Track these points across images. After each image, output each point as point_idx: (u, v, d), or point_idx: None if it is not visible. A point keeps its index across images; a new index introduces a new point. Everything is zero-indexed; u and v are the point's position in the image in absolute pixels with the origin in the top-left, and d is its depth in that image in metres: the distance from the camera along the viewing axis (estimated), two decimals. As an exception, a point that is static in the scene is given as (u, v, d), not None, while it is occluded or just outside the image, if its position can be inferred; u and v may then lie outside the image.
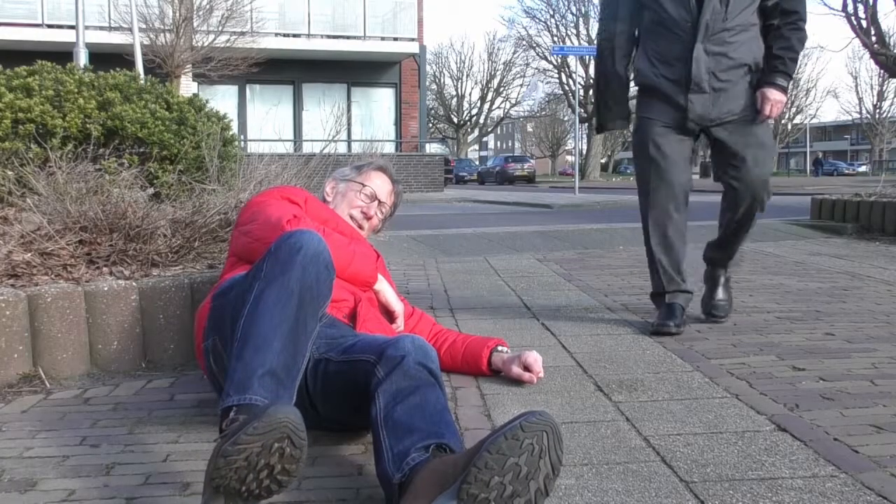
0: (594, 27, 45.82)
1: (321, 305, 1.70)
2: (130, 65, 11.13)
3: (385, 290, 2.36)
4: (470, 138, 60.65)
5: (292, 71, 20.69)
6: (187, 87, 17.52)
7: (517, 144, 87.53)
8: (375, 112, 22.34)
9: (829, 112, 79.10)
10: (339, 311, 2.11)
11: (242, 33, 17.76)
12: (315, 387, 1.84)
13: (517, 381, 2.37)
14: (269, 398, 1.51)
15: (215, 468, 1.35)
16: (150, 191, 4.12)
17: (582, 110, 41.44)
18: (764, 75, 3.11)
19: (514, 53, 53.14)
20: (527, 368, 2.38)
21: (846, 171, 51.48)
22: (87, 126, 4.33)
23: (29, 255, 2.84)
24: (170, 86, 5.58)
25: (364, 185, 2.57)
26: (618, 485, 1.64)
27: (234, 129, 5.92)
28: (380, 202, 2.59)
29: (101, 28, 17.67)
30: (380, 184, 2.60)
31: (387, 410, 1.59)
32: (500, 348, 2.46)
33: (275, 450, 1.33)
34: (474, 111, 56.00)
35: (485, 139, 79.15)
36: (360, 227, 2.55)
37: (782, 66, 3.08)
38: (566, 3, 46.66)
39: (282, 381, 1.55)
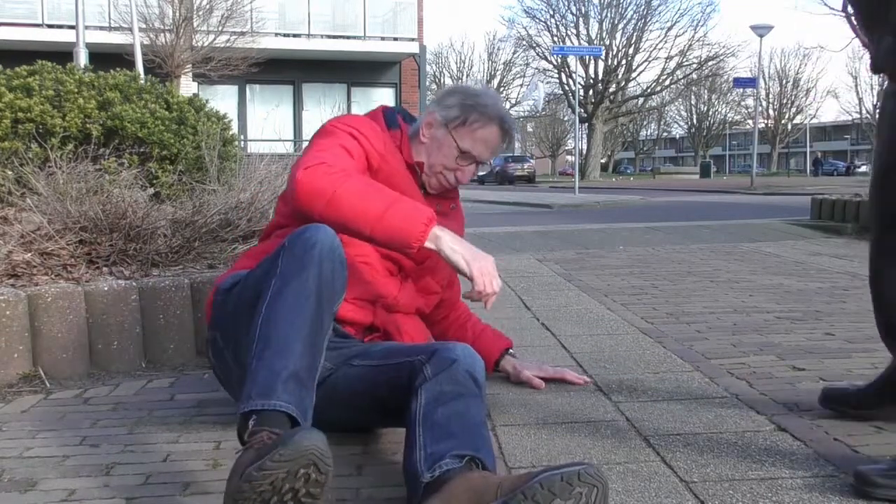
0: (594, 27, 46.00)
1: (336, 302, 1.68)
2: (130, 65, 11.13)
3: (445, 247, 1.77)
4: (470, 138, 60.54)
5: (292, 71, 20.68)
6: (187, 87, 17.52)
7: (517, 144, 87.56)
8: (375, 112, 22.30)
9: (829, 112, 79.10)
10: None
11: (242, 33, 17.76)
12: (339, 392, 1.84)
13: (518, 382, 2.37)
14: (293, 402, 1.50)
15: (238, 490, 1.34)
16: (150, 191, 4.12)
17: (582, 110, 41.49)
18: None
19: (514, 53, 53.22)
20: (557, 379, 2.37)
21: (854, 171, 51.45)
22: (87, 126, 4.33)
23: (29, 255, 2.84)
24: (170, 86, 5.59)
25: (463, 153, 2.10)
26: (618, 485, 1.64)
27: (234, 129, 5.92)
28: (479, 164, 2.15)
29: (101, 28, 17.66)
30: (486, 141, 2.11)
31: (427, 409, 1.59)
32: (510, 351, 2.43)
33: (300, 475, 1.33)
34: (474, 111, 55.89)
35: (485, 139, 79.00)
36: (449, 184, 2.15)
37: None
38: (566, 3, 46.61)
39: (304, 382, 1.54)
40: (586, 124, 45.11)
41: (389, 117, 2.15)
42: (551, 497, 1.35)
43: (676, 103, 61.45)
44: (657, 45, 47.38)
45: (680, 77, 47.59)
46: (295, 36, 20.31)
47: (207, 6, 17.24)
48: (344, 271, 1.68)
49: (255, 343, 1.57)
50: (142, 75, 5.65)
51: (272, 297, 1.60)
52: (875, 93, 58.33)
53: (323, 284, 1.61)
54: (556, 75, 47.03)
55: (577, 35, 45.70)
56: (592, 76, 45.81)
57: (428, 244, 1.76)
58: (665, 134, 77.77)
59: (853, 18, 16.63)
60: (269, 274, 1.64)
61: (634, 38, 46.02)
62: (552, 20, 46.32)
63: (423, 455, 1.51)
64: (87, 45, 11.52)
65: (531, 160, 46.19)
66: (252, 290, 1.69)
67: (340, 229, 1.75)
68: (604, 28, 46.35)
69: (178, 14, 16.59)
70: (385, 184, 1.90)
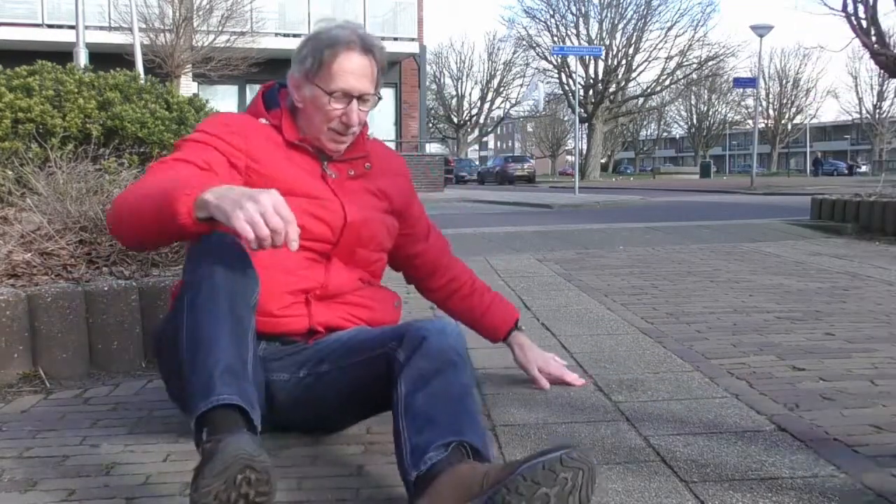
0: (594, 27, 46.04)
1: (251, 294, 1.65)
2: (130, 65, 11.13)
3: (213, 209, 1.48)
4: (470, 138, 60.66)
5: (292, 71, 20.66)
6: (187, 87, 17.54)
7: (517, 144, 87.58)
8: (375, 112, 22.18)
9: (829, 112, 79.16)
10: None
11: (242, 33, 17.78)
12: (318, 398, 1.82)
13: (518, 381, 2.37)
14: (236, 392, 1.48)
15: None
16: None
17: (582, 110, 41.49)
18: None
19: (514, 53, 53.23)
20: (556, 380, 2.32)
21: (847, 172, 51.59)
22: (87, 126, 4.33)
23: (29, 255, 2.84)
24: (170, 86, 5.59)
25: (332, 94, 1.89)
26: (618, 485, 1.64)
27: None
28: (361, 98, 1.92)
29: (101, 28, 17.67)
30: (351, 71, 1.89)
31: (407, 398, 1.56)
32: (519, 325, 2.30)
33: (240, 481, 1.33)
34: (474, 111, 56.03)
35: (485, 139, 79.16)
36: (345, 134, 1.94)
37: None
38: (566, 3, 46.63)
39: (239, 374, 1.52)
40: (586, 124, 45.12)
41: (269, 98, 2.01)
42: (535, 487, 1.33)
43: (676, 103, 61.55)
44: (657, 45, 47.42)
45: (680, 77, 47.62)
46: (295, 36, 20.28)
47: (207, 6, 17.25)
48: (249, 262, 1.65)
49: (186, 354, 1.56)
50: (142, 75, 5.65)
51: (188, 308, 1.57)
52: (875, 93, 58.38)
53: (231, 279, 1.59)
54: (556, 75, 47.06)
55: (577, 35, 45.73)
56: (592, 76, 45.82)
57: (199, 214, 1.51)
58: (665, 134, 77.81)
59: (853, 18, 16.65)
60: (182, 293, 1.63)
61: (634, 38, 46.07)
62: (552, 20, 46.40)
63: (408, 449, 1.49)
64: (87, 45, 11.54)
65: (531, 160, 46.19)
66: (173, 320, 1.65)
67: (150, 242, 1.73)
68: (604, 28, 46.39)
69: (178, 14, 16.60)
70: (264, 179, 1.84)
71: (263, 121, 1.96)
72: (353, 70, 1.89)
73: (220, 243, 1.62)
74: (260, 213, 1.44)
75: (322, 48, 1.89)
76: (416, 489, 1.45)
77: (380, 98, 1.98)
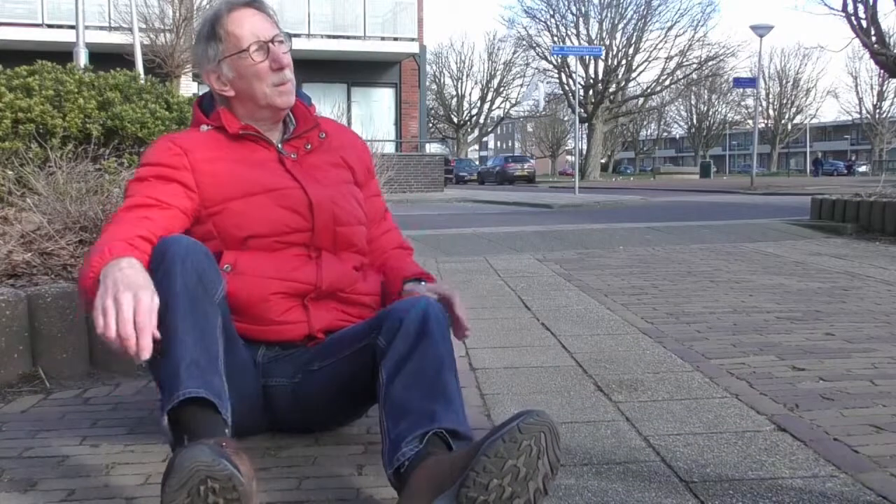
0: (594, 27, 46.04)
1: (215, 292, 1.64)
2: (130, 65, 11.13)
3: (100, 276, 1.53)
4: (470, 138, 60.65)
5: (292, 71, 20.66)
6: (187, 87, 17.53)
7: (517, 144, 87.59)
8: (375, 112, 22.33)
9: (829, 112, 79.25)
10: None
11: (242, 33, 17.74)
12: (315, 398, 1.82)
13: (516, 380, 2.37)
14: (202, 385, 1.49)
15: None
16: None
17: (582, 110, 41.50)
18: None
19: (514, 53, 53.18)
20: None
21: (846, 171, 51.66)
22: (87, 126, 4.33)
23: (29, 255, 2.84)
24: (170, 86, 5.59)
25: (248, 52, 1.86)
26: (618, 485, 1.64)
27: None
28: (275, 41, 1.90)
29: (101, 28, 17.68)
30: (248, 24, 1.89)
31: (387, 388, 1.56)
32: (422, 283, 1.99)
33: (203, 492, 1.32)
34: (474, 111, 56.01)
35: (485, 139, 79.15)
36: (286, 81, 1.91)
37: None
38: (566, 3, 46.61)
39: (205, 368, 1.52)
40: (586, 124, 45.10)
41: (205, 104, 1.99)
42: (502, 461, 1.32)
43: (676, 103, 61.56)
44: (657, 45, 47.38)
45: (680, 77, 47.60)
46: (294, 36, 20.20)
47: (207, 6, 17.24)
48: (211, 261, 1.65)
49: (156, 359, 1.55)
50: (142, 75, 5.65)
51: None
52: (875, 93, 58.39)
53: (191, 275, 1.58)
54: (556, 75, 47.04)
55: (577, 35, 45.71)
56: (592, 76, 45.80)
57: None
58: (665, 134, 77.82)
59: (853, 18, 16.68)
60: None
61: (634, 38, 46.05)
62: (552, 20, 46.36)
63: (387, 445, 1.50)
64: (87, 45, 11.53)
65: (531, 160, 46.17)
66: None
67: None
68: (604, 28, 46.37)
69: (178, 14, 16.60)
70: (217, 190, 1.83)
71: (205, 127, 1.93)
72: (249, 23, 1.89)
73: (182, 241, 1.63)
74: (114, 317, 1.45)
75: (213, 30, 1.89)
76: (395, 487, 1.46)
77: (290, 36, 1.96)
